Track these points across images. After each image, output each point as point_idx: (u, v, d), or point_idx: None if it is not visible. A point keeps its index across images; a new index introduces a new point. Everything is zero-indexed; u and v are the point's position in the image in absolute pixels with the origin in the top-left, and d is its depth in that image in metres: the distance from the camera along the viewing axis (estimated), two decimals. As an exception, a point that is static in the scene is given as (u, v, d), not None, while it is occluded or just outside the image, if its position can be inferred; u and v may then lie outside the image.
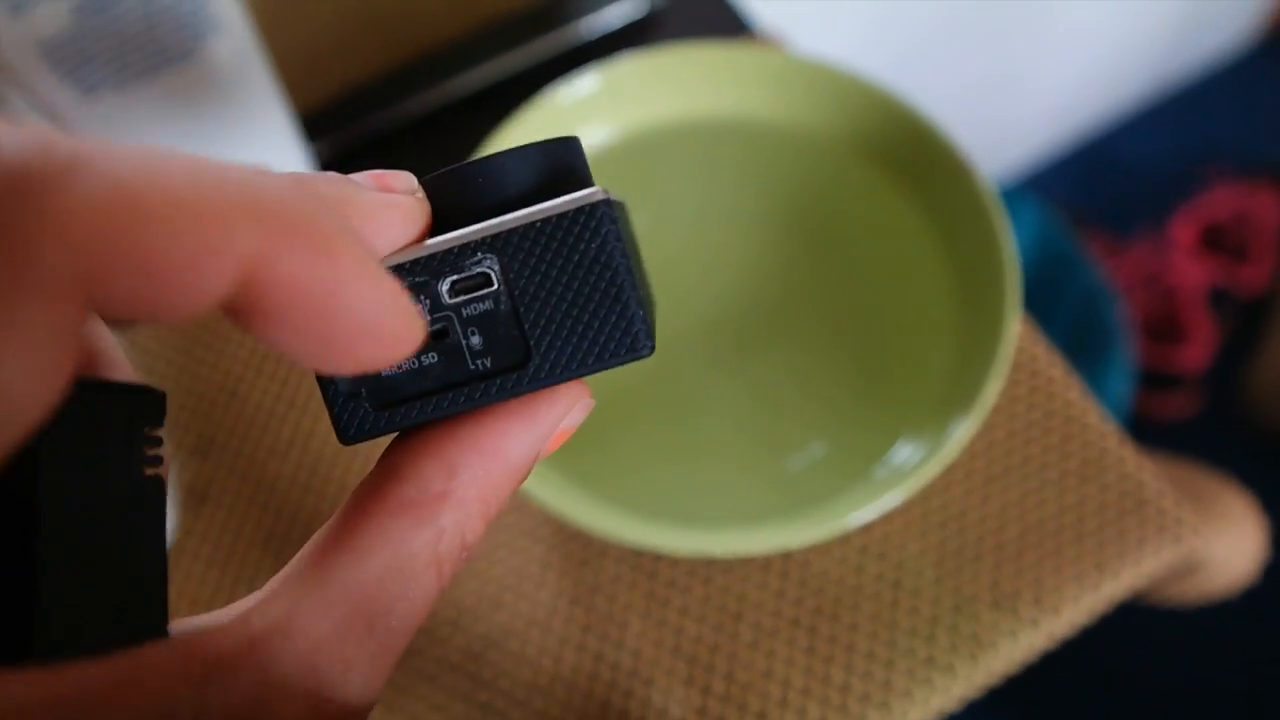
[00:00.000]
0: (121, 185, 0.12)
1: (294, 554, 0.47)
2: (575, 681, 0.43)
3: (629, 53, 0.52)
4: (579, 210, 0.16)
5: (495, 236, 0.16)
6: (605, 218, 0.16)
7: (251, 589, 0.46)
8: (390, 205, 0.17)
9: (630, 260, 0.17)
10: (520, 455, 0.17)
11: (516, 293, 0.17)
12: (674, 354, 0.47)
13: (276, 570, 0.46)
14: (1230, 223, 1.35)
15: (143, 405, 0.14)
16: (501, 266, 0.17)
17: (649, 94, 0.52)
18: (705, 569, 0.45)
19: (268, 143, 0.47)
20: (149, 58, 0.41)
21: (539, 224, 0.16)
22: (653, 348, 0.17)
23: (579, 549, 0.46)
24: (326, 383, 0.17)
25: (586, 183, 0.18)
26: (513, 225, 0.16)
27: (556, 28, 0.59)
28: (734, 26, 0.60)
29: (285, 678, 0.14)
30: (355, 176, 0.17)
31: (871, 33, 0.98)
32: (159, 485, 0.14)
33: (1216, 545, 0.46)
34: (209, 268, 0.12)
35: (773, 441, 0.45)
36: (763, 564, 0.45)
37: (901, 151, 0.49)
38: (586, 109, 0.51)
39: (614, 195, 0.17)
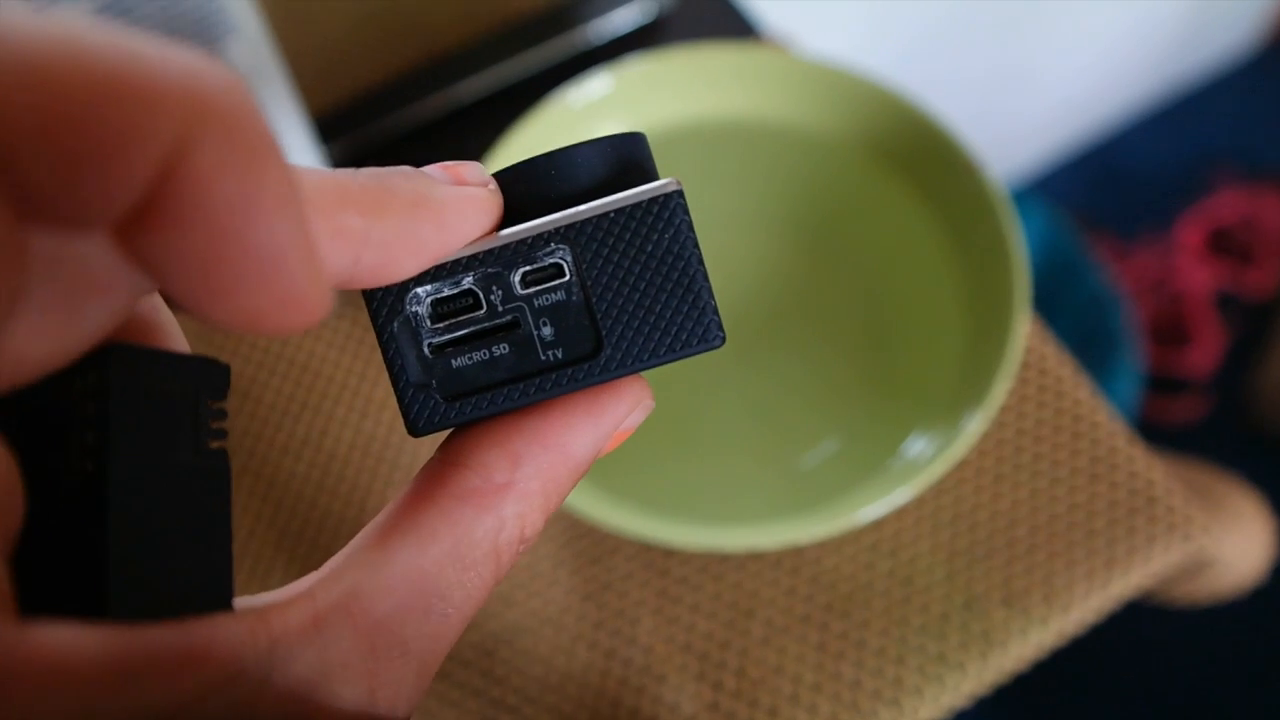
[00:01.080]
0: (39, 54, 0.10)
1: (307, 552, 0.47)
2: (587, 678, 0.44)
3: (638, 55, 0.52)
4: (653, 200, 0.16)
5: (569, 227, 0.17)
6: (679, 208, 0.17)
7: (265, 587, 0.46)
8: (465, 198, 0.16)
9: (700, 250, 0.17)
10: (583, 450, 0.17)
11: (589, 283, 0.17)
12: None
13: (290, 568, 0.47)
14: (1237, 226, 1.35)
15: (207, 377, 0.14)
16: (574, 257, 0.17)
17: (659, 96, 0.52)
18: (717, 566, 0.45)
19: (282, 145, 0.48)
20: (166, 60, 0.41)
21: (613, 214, 0.17)
22: (724, 338, 0.17)
23: (591, 546, 0.46)
24: (397, 371, 0.17)
25: (653, 176, 0.18)
26: (586, 216, 0.17)
27: (566, 32, 0.59)
28: (741, 28, 0.60)
29: (345, 655, 0.14)
30: (428, 169, 0.17)
31: (875, 38, 0.99)
32: (223, 458, 0.14)
33: (1225, 544, 0.46)
34: (134, 152, 0.11)
35: (786, 438, 0.46)
36: (774, 561, 0.45)
37: (910, 151, 0.50)
38: (597, 111, 0.51)
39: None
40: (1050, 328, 1.04)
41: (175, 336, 0.15)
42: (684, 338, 0.17)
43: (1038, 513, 0.45)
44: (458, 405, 0.17)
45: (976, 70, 1.15)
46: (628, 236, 0.17)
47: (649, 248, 0.17)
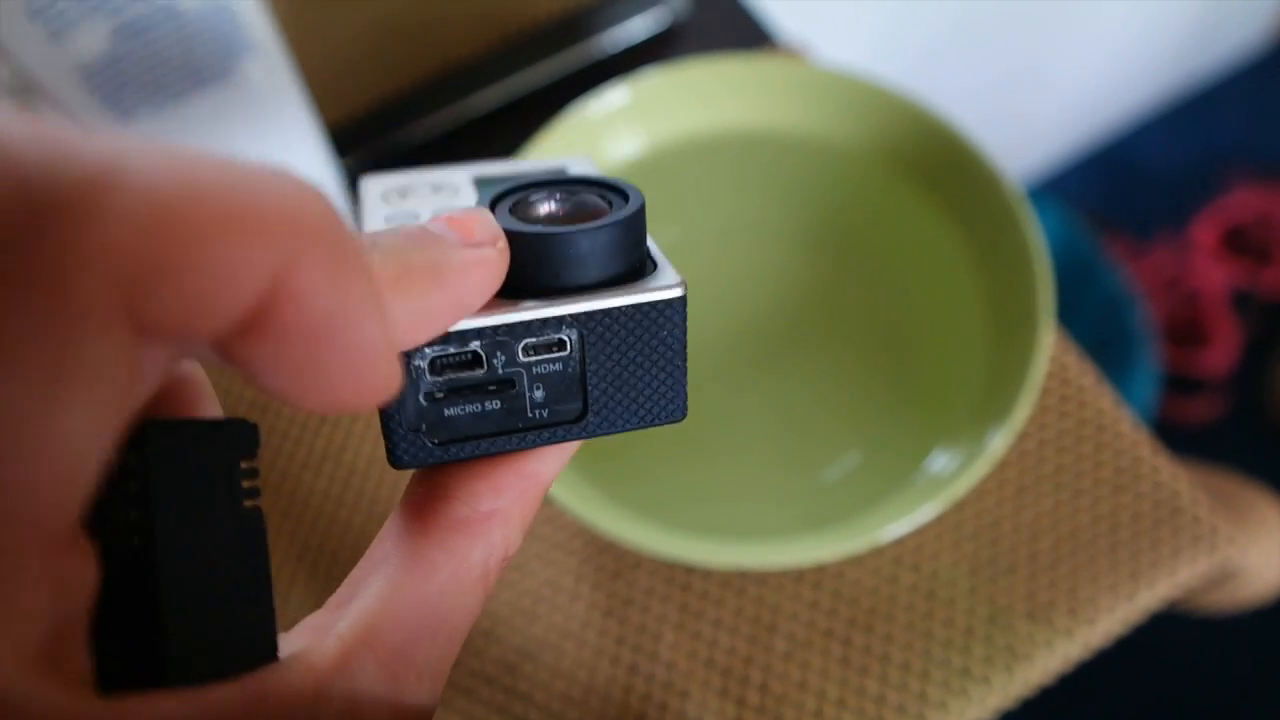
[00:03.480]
0: (160, 197, 0.11)
1: (328, 567, 0.47)
2: (609, 693, 0.43)
3: (656, 66, 0.52)
4: (664, 302, 0.18)
5: (584, 315, 0.18)
6: (681, 309, 0.18)
7: (286, 602, 0.46)
8: (478, 264, 0.17)
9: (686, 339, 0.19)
10: (552, 474, 0.19)
11: (588, 360, 0.18)
12: (705, 365, 0.47)
13: (311, 582, 0.46)
14: (1252, 225, 1.34)
15: (240, 439, 0.15)
16: (580, 337, 0.18)
17: (676, 107, 0.52)
18: (738, 581, 0.45)
19: (300, 160, 0.48)
20: (185, 79, 0.41)
21: (626, 308, 0.18)
22: (686, 413, 0.20)
23: (611, 561, 0.46)
24: (389, 415, 0.18)
25: (649, 253, 0.19)
26: (602, 306, 0.18)
27: (580, 41, 0.59)
28: (756, 37, 0.60)
29: (371, 686, 0.15)
30: (439, 228, 0.17)
31: (887, 42, 0.98)
32: (258, 516, 0.15)
33: (1251, 554, 0.46)
34: (244, 279, 0.12)
35: (808, 452, 0.45)
36: (796, 575, 0.45)
37: (930, 161, 0.49)
38: (615, 122, 0.51)
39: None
40: (1066, 329, 1.04)
41: (208, 395, 0.16)
42: (657, 411, 0.19)
43: (1061, 525, 0.45)
44: (444, 448, 0.18)
45: (988, 72, 1.14)
46: (633, 326, 0.18)
47: (647, 337, 0.18)
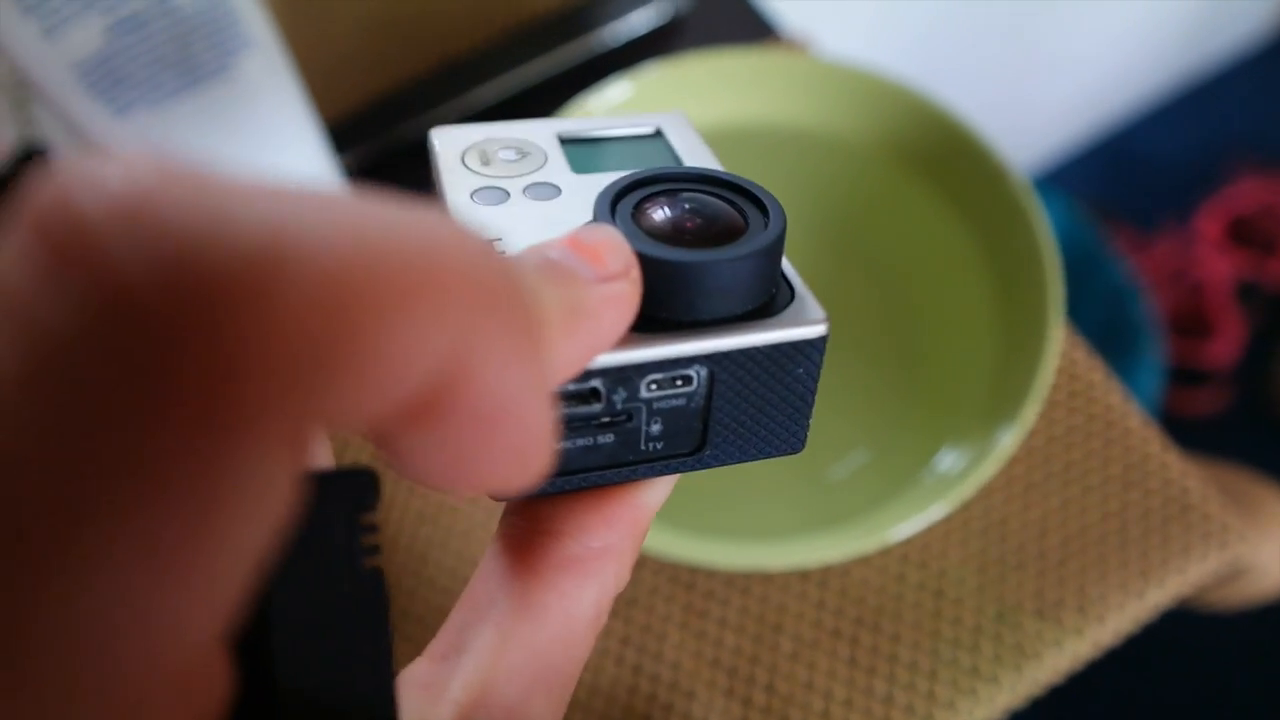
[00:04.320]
0: (335, 268, 0.09)
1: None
2: (614, 694, 0.43)
3: (657, 60, 0.52)
4: (806, 342, 0.17)
5: (717, 355, 0.16)
6: (823, 346, 0.17)
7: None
8: (614, 301, 0.15)
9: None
10: (659, 504, 0.18)
11: (715, 397, 0.17)
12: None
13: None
14: (1256, 215, 1.33)
15: (358, 491, 0.13)
16: (709, 374, 0.16)
17: (679, 101, 0.51)
18: (743, 580, 0.44)
19: (298, 157, 0.47)
20: (181, 76, 0.41)
21: (764, 349, 0.16)
22: (805, 444, 0.18)
23: (616, 561, 0.45)
24: None
25: (785, 276, 0.17)
26: (739, 346, 0.16)
27: (581, 35, 0.59)
28: (759, 29, 0.59)
29: None
30: (561, 254, 0.14)
31: (889, 30, 0.98)
32: (379, 576, 0.13)
33: (1262, 551, 0.45)
34: (420, 360, 0.10)
35: (815, 448, 0.45)
36: (802, 574, 0.44)
37: (937, 155, 0.49)
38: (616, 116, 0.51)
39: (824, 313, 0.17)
40: (1071, 321, 1.03)
41: (321, 442, 0.14)
42: (776, 444, 0.18)
43: (1070, 522, 0.44)
44: (550, 481, 0.17)
45: (991, 62, 1.13)
46: (767, 365, 0.17)
47: (782, 375, 0.17)
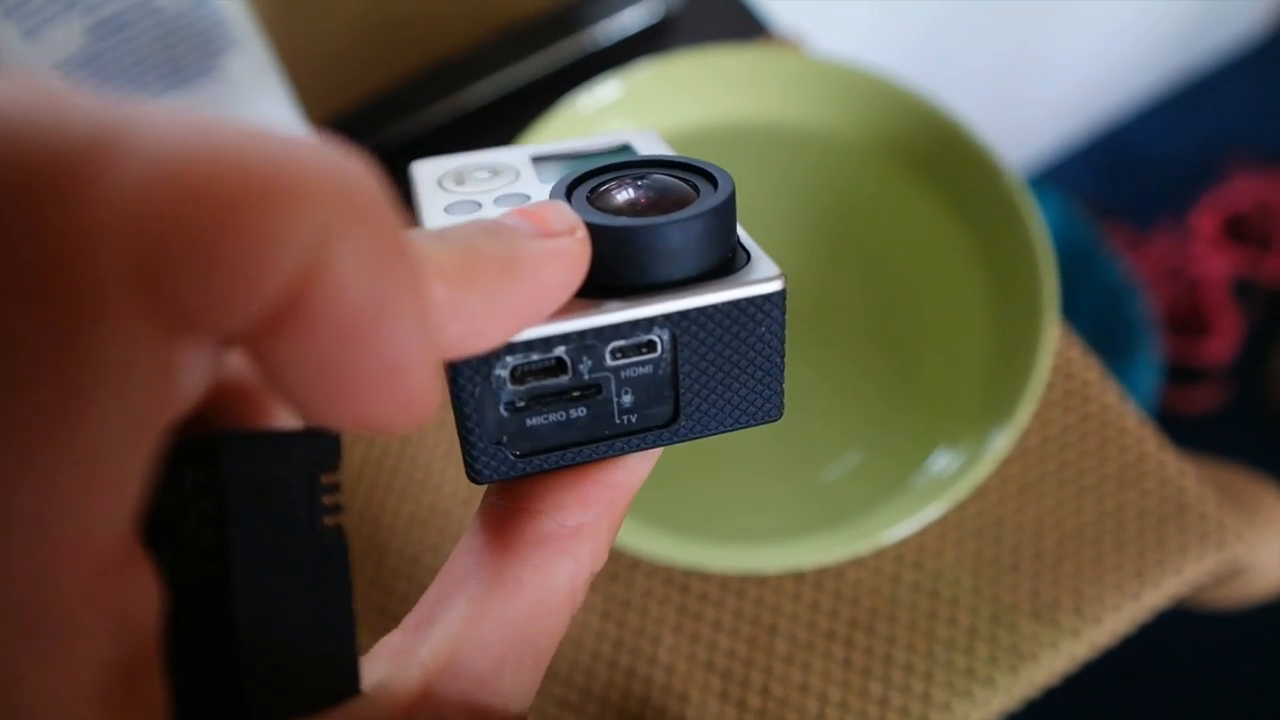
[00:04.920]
0: (178, 159, 0.09)
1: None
2: (607, 697, 0.43)
3: (649, 59, 0.51)
4: (763, 297, 0.17)
5: (678, 314, 0.16)
6: (781, 302, 0.17)
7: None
8: (556, 254, 0.15)
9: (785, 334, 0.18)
10: (637, 484, 0.18)
11: (680, 361, 0.17)
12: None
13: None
14: (1253, 212, 1.33)
15: (319, 451, 0.13)
16: (672, 338, 0.17)
17: (671, 100, 0.51)
18: (737, 582, 0.44)
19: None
20: (166, 77, 0.40)
21: (722, 306, 0.17)
22: (783, 412, 0.18)
23: (608, 563, 0.45)
24: (468, 427, 0.16)
25: (740, 241, 0.18)
26: (696, 305, 0.16)
27: (573, 34, 0.58)
28: (751, 28, 0.59)
29: (454, 716, 0.14)
30: (512, 221, 0.15)
31: (884, 27, 0.97)
32: (340, 535, 0.13)
33: (1259, 551, 0.45)
34: (279, 258, 0.10)
35: (807, 451, 0.45)
36: (796, 575, 0.44)
37: (930, 153, 0.48)
38: (607, 116, 0.50)
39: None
40: (1067, 319, 1.03)
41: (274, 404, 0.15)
42: (752, 412, 0.18)
43: (1066, 522, 0.44)
44: (528, 460, 0.17)
45: (986, 59, 1.13)
46: (729, 324, 0.17)
47: (745, 335, 0.17)
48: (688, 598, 0.44)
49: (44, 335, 0.09)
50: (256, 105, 0.44)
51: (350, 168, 0.11)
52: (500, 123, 0.57)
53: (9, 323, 0.09)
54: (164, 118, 0.10)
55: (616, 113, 0.50)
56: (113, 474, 0.10)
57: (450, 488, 0.47)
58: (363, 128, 0.57)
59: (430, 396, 0.12)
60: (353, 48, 0.58)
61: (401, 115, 0.57)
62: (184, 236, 0.09)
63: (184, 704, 0.12)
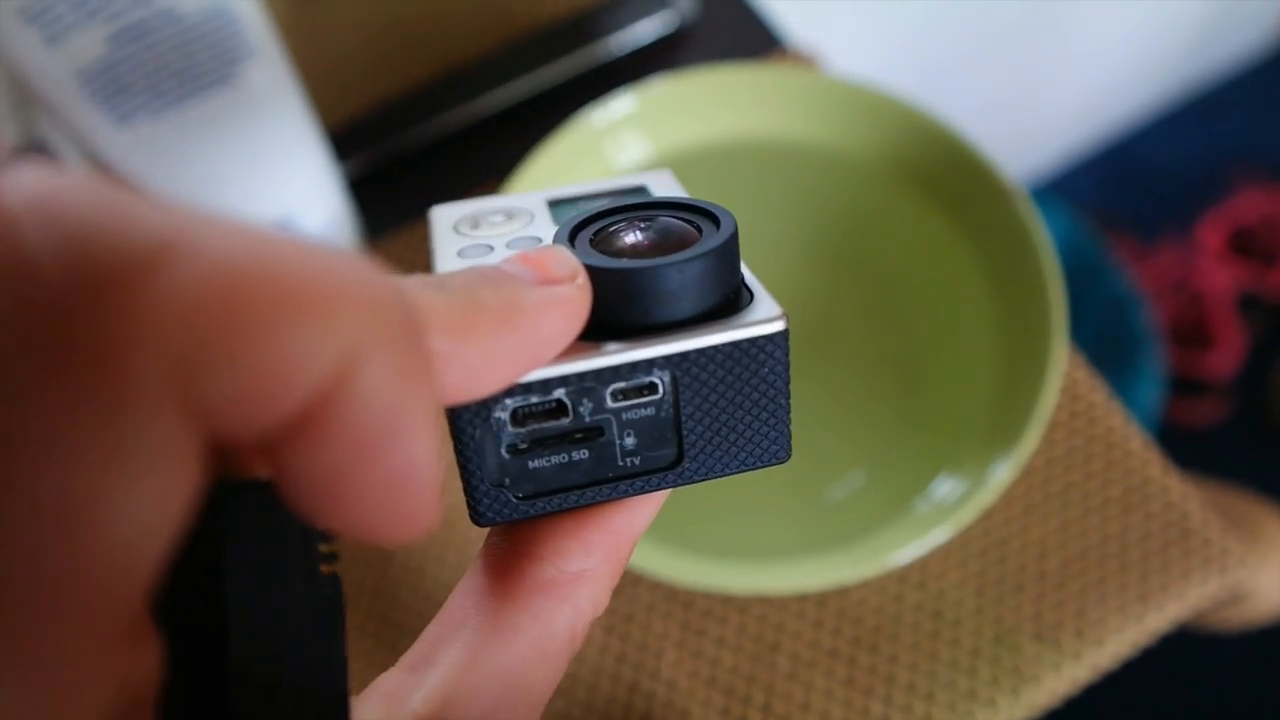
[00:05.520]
0: (227, 270, 0.10)
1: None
2: (610, 712, 0.43)
3: (662, 73, 0.51)
4: (763, 338, 0.17)
5: (677, 356, 0.16)
6: (782, 344, 0.17)
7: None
8: (555, 303, 0.15)
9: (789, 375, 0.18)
10: (641, 529, 0.18)
11: (682, 403, 0.17)
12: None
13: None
14: (1258, 226, 1.33)
15: None
16: (673, 379, 0.17)
17: (683, 115, 0.51)
18: (741, 599, 0.44)
19: (300, 165, 0.47)
20: (184, 85, 0.40)
21: (722, 347, 0.17)
22: (790, 455, 0.18)
23: (614, 577, 0.45)
24: (472, 470, 0.16)
25: (744, 281, 0.18)
26: (695, 346, 0.16)
27: (587, 44, 0.58)
28: (765, 42, 0.59)
29: None
30: (512, 268, 0.15)
31: (891, 39, 0.97)
32: (336, 583, 0.14)
33: (1262, 576, 0.45)
34: (308, 366, 0.10)
35: (812, 470, 0.45)
36: (800, 594, 0.44)
37: (940, 173, 0.48)
38: (620, 130, 0.51)
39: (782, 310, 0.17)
40: (1071, 331, 1.03)
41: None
42: (758, 454, 0.18)
43: (1070, 544, 0.44)
44: (530, 503, 0.17)
45: (994, 70, 1.13)
46: (730, 365, 0.17)
47: (747, 376, 0.17)
48: (691, 613, 0.44)
49: (91, 416, 0.10)
50: (273, 113, 0.44)
51: (383, 285, 0.11)
52: (512, 131, 0.57)
53: (64, 401, 0.10)
54: (221, 229, 0.10)
55: (629, 127, 0.51)
56: (136, 555, 0.10)
57: (453, 499, 0.48)
58: (375, 136, 0.57)
59: (431, 513, 0.12)
60: (366, 55, 0.58)
61: (415, 122, 0.57)
62: (219, 339, 0.10)
63: None
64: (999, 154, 0.47)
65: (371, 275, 0.11)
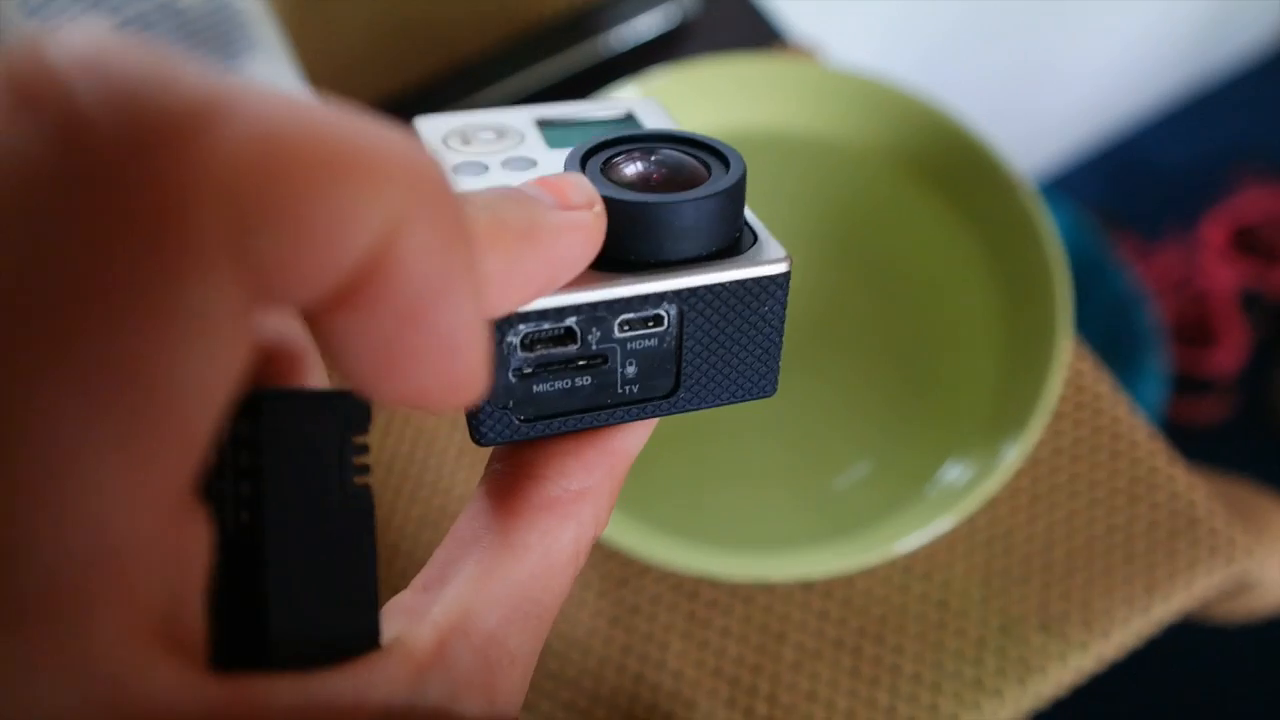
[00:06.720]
0: (275, 130, 0.10)
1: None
2: (616, 703, 0.43)
3: (664, 65, 0.51)
4: (769, 278, 0.17)
5: (685, 291, 0.17)
6: (785, 284, 0.18)
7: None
8: (574, 226, 0.15)
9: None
10: (636, 450, 0.19)
11: (685, 337, 0.18)
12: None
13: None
14: (1261, 224, 1.33)
15: (351, 413, 0.14)
16: (679, 313, 0.17)
17: (685, 108, 0.51)
18: (746, 589, 0.44)
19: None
20: (187, 77, 0.40)
21: (728, 285, 0.17)
22: (776, 389, 0.19)
23: (618, 568, 0.45)
24: None
25: (748, 222, 0.18)
26: (703, 283, 0.17)
27: (589, 38, 0.59)
28: (766, 35, 0.59)
29: (467, 674, 0.15)
30: (533, 190, 0.16)
31: (895, 36, 0.98)
32: (367, 494, 0.14)
33: (1268, 566, 0.45)
34: (357, 232, 0.10)
35: (818, 460, 0.45)
36: (806, 584, 0.44)
37: (945, 164, 0.48)
38: (622, 122, 0.50)
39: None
40: (1075, 329, 1.03)
41: (316, 364, 0.15)
42: (748, 387, 0.19)
43: (1076, 534, 0.44)
44: (531, 425, 0.17)
45: (997, 67, 1.13)
46: (735, 303, 0.18)
47: (749, 314, 0.18)
48: (697, 604, 0.44)
49: (151, 274, 0.10)
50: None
51: (421, 153, 0.12)
52: (515, 126, 0.57)
53: (123, 259, 0.09)
54: (262, 92, 0.10)
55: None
56: (188, 428, 0.10)
57: (460, 490, 0.48)
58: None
59: (480, 377, 0.13)
60: (369, 51, 0.58)
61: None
62: (273, 199, 0.10)
63: (217, 642, 0.12)
64: (1008, 157, 0.47)
65: (412, 144, 0.11)
